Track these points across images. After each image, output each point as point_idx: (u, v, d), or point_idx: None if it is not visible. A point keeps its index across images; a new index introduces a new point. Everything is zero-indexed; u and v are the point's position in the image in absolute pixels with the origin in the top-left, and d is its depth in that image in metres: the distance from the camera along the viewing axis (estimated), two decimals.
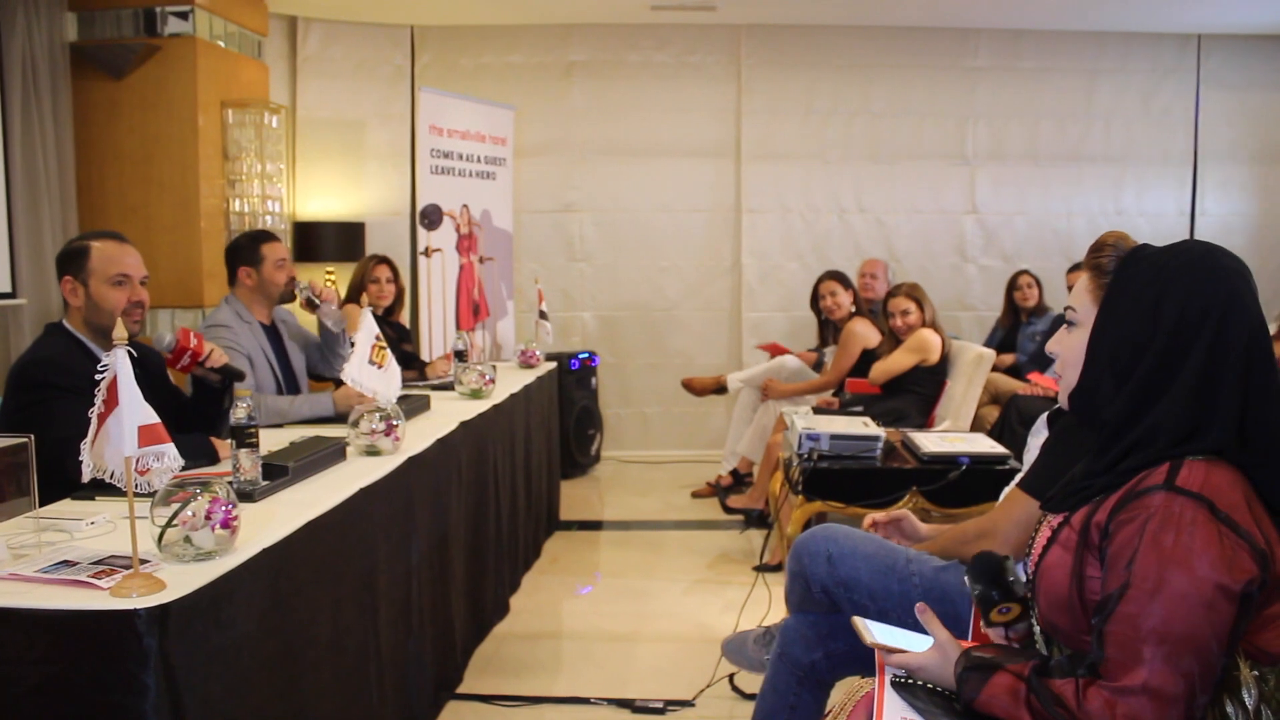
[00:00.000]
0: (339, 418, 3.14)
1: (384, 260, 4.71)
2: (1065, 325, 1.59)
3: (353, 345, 2.72)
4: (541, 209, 6.62)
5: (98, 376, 1.56)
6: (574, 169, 6.64)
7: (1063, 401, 1.58)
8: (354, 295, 4.59)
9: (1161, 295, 1.42)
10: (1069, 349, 1.56)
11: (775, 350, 5.82)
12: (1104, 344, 1.47)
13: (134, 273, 2.63)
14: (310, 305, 3.53)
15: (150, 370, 2.64)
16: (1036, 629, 1.56)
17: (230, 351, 3.26)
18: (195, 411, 2.75)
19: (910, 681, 1.52)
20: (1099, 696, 1.32)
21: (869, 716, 1.51)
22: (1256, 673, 1.35)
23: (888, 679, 1.54)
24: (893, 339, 4.79)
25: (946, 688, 1.49)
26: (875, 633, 1.62)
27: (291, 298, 3.57)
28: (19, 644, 1.49)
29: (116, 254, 2.61)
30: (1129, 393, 1.43)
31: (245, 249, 3.50)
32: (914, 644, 1.58)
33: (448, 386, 3.95)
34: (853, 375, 5.07)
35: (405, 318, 5.02)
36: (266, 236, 3.57)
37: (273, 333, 3.55)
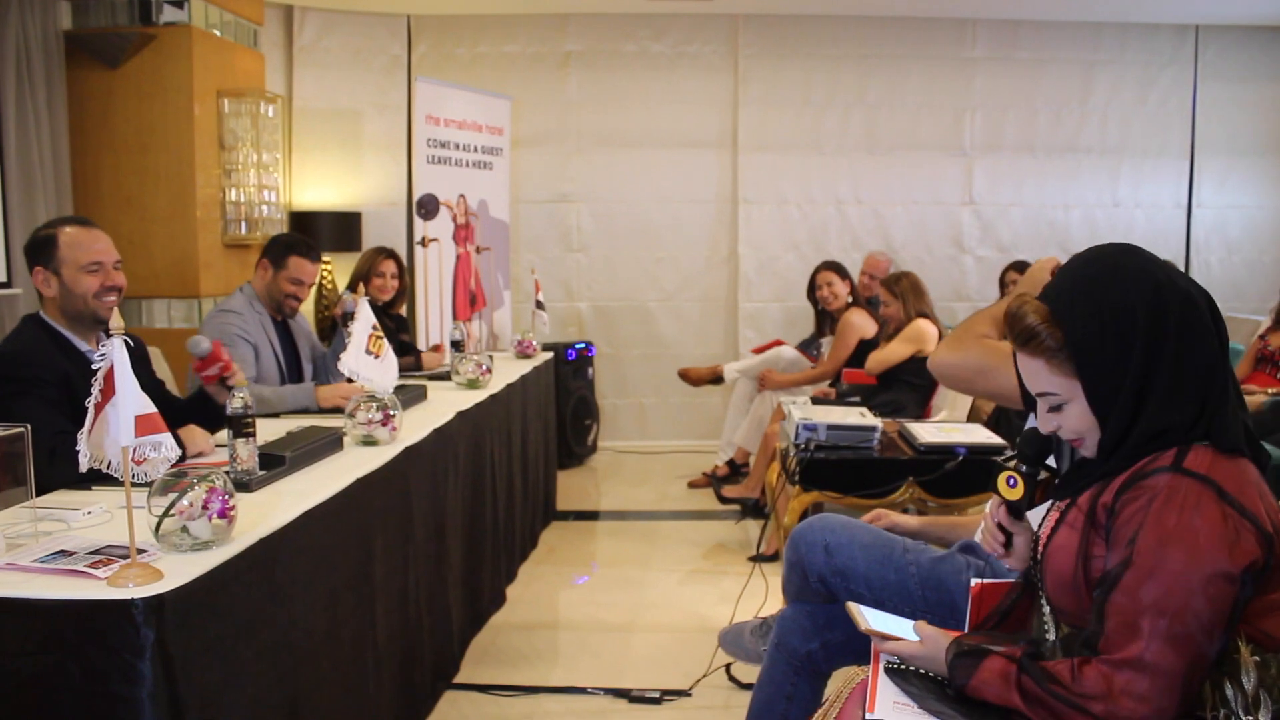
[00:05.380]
0: (322, 413, 3.15)
1: (391, 255, 4.66)
2: (1050, 410, 1.50)
3: (349, 337, 2.71)
4: (538, 199, 6.61)
5: (95, 367, 1.56)
6: (571, 159, 6.62)
7: (1091, 453, 1.51)
8: (355, 286, 4.57)
9: (1120, 323, 1.42)
10: (1075, 421, 1.48)
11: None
12: (1105, 395, 1.44)
13: (106, 258, 2.55)
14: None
15: (135, 360, 2.62)
16: (1045, 609, 1.58)
17: (236, 339, 3.26)
18: (188, 414, 2.67)
19: (904, 668, 1.55)
20: (1096, 671, 1.34)
21: (864, 703, 1.52)
22: (1257, 657, 1.36)
23: (881, 665, 1.56)
24: (880, 324, 4.81)
25: (939, 674, 1.51)
26: (870, 618, 1.65)
27: (290, 316, 3.56)
28: (16, 633, 1.49)
29: (86, 240, 2.53)
30: (1127, 396, 1.42)
31: (278, 246, 3.50)
32: (907, 630, 1.61)
33: (443, 376, 3.94)
34: (850, 366, 5.08)
35: (403, 308, 5.01)
36: (304, 250, 3.50)
37: (282, 326, 3.55)
